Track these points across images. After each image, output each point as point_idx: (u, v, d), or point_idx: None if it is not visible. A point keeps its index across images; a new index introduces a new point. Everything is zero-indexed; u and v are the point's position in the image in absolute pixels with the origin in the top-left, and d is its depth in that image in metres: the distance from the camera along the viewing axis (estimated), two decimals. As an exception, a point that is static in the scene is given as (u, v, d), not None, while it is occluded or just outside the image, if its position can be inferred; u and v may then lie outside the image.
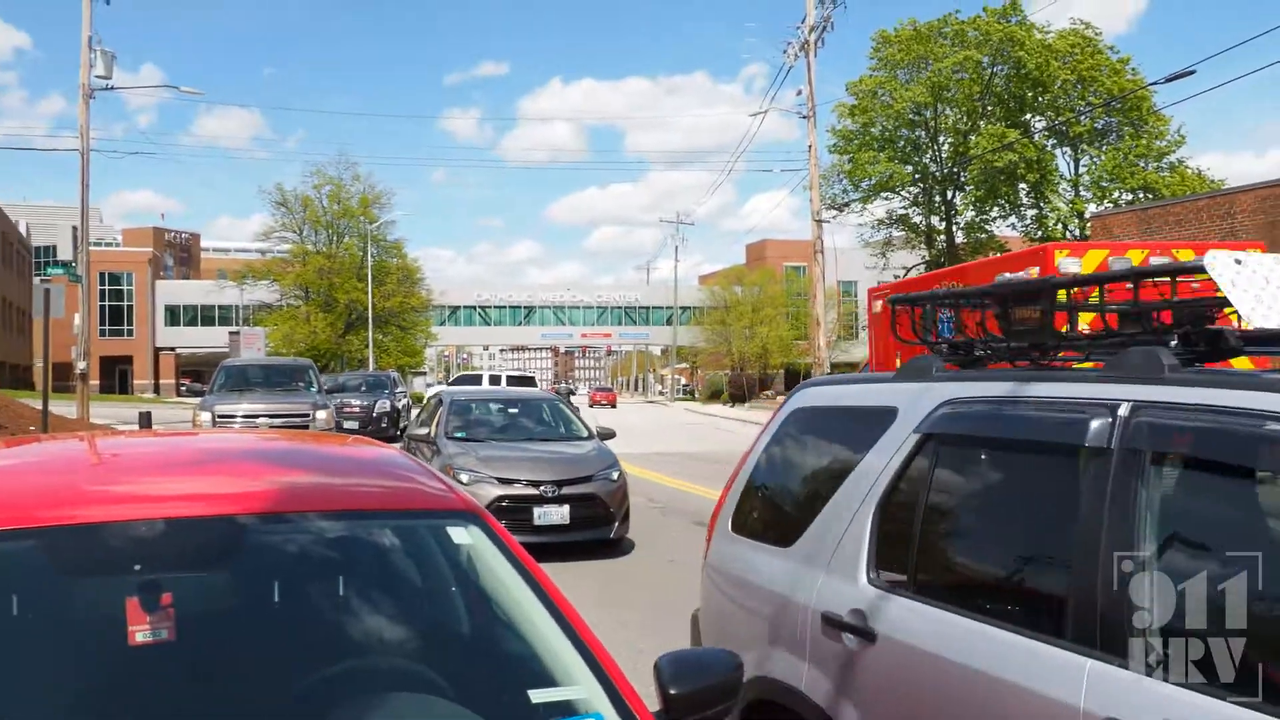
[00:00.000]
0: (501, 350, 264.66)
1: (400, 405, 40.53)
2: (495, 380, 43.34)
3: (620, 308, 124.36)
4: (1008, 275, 6.72)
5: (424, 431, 17.97)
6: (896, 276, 67.19)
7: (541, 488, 16.08)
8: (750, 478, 6.72)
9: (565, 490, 16.12)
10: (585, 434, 18.42)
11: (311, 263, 79.04)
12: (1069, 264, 7.50)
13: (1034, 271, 8.15)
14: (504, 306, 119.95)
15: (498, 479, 16.09)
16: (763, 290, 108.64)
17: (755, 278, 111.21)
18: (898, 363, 6.62)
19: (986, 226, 71.79)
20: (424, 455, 17.28)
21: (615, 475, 16.76)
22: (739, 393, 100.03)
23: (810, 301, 50.89)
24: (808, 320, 76.42)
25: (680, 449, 37.55)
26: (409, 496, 4.80)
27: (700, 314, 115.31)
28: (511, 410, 19.20)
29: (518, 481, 16.14)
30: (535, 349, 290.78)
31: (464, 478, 15.98)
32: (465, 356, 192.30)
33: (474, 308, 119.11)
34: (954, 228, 72.35)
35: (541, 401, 19.68)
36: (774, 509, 6.50)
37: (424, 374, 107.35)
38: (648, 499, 21.95)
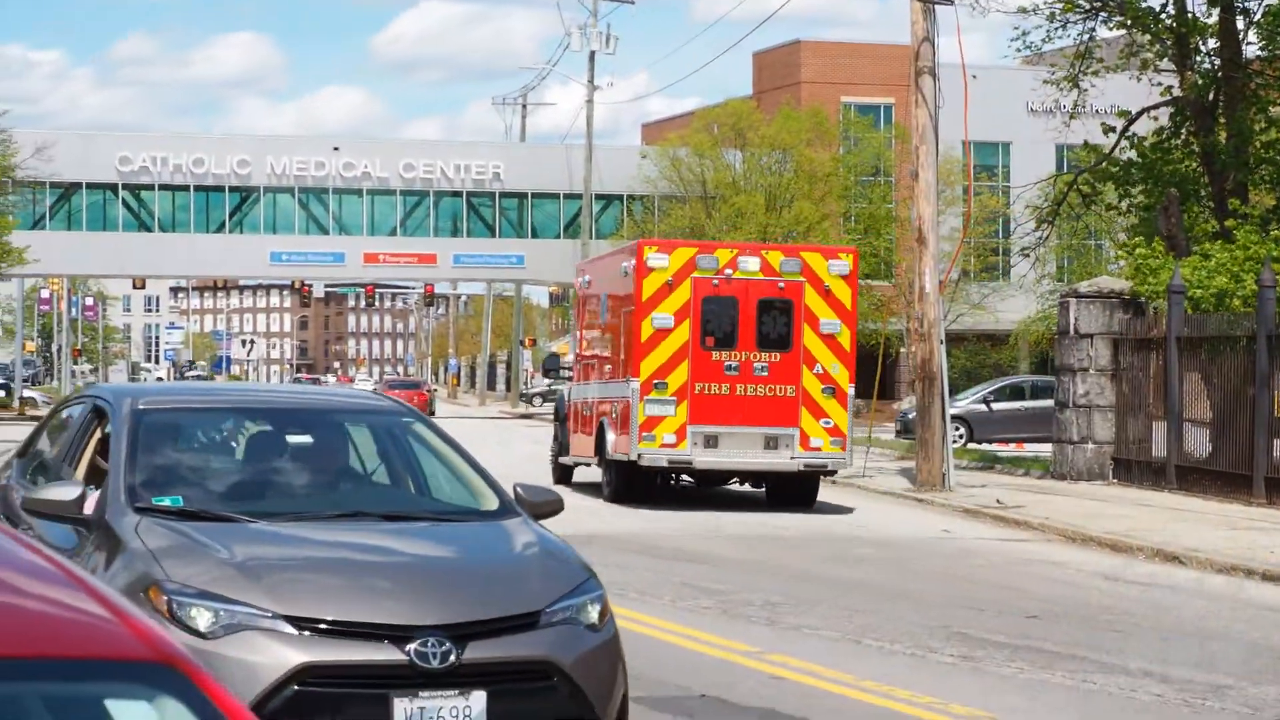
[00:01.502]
0: (178, 289, 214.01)
1: None
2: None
3: (457, 195, 78.20)
4: (585, 276, 27.75)
5: (57, 495, 8.96)
6: (1109, 132, 38.11)
7: (410, 645, 7.72)
8: None
9: (472, 653, 7.82)
10: (493, 504, 9.39)
11: None
12: (657, 259, 24.36)
13: (629, 266, 24.97)
14: (184, 188, 76.60)
15: (296, 619, 7.78)
16: (792, 159, 68.05)
17: (774, 128, 68.73)
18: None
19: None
20: (76, 550, 8.92)
21: (594, 615, 8.31)
22: None
23: (906, 189, 43.50)
24: (895, 231, 65.26)
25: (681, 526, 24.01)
26: (24, 630, 2.88)
27: (646, 211, 74.36)
28: (298, 439, 10.08)
29: (350, 630, 7.76)
30: (256, 287, 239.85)
31: (200, 616, 7.83)
32: (89, 303, 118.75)
33: (113, 189, 76.33)
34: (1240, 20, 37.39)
35: (371, 420, 10.25)
36: None
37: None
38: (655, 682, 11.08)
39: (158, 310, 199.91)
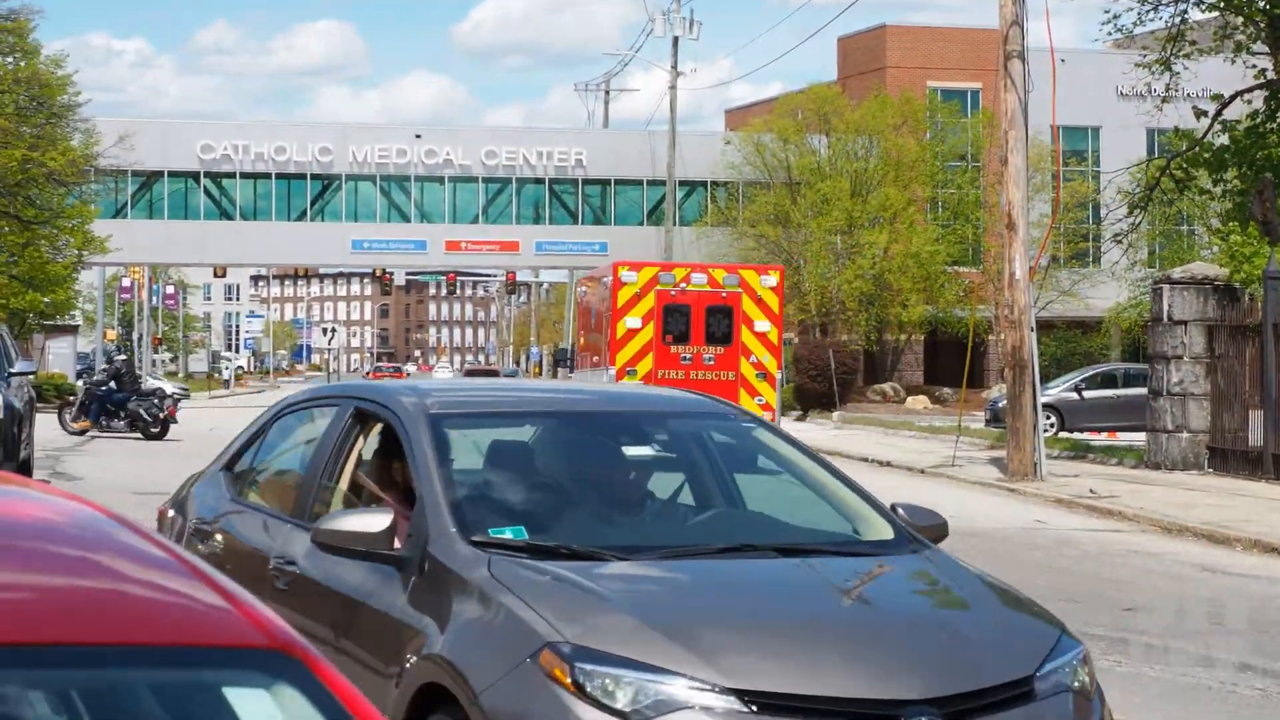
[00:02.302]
0: (258, 278, 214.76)
1: (19, 402, 22.76)
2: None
3: (539, 183, 78.32)
4: (583, 288, 38.35)
5: (361, 525, 7.31)
6: (1201, 116, 38.16)
7: None
8: None
9: None
10: (886, 531, 7.67)
11: None
12: (628, 276, 34.02)
13: (608, 281, 34.88)
14: (266, 176, 77.08)
15: (750, 695, 5.94)
16: (878, 145, 69.46)
17: (860, 114, 69.90)
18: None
19: None
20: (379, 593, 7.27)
21: (1084, 677, 6.64)
22: (817, 385, 62.14)
23: (994, 174, 47.24)
24: (984, 217, 67.71)
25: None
26: (137, 617, 2.90)
27: (730, 198, 75.08)
28: (638, 451, 8.50)
29: (823, 709, 5.97)
30: (337, 275, 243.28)
31: (620, 691, 5.96)
32: (169, 292, 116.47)
33: (194, 177, 76.69)
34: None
35: (706, 426, 8.71)
36: None
37: (75, 328, 74.83)
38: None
39: (238, 299, 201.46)
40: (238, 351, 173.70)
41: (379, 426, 8.32)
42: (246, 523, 8.71)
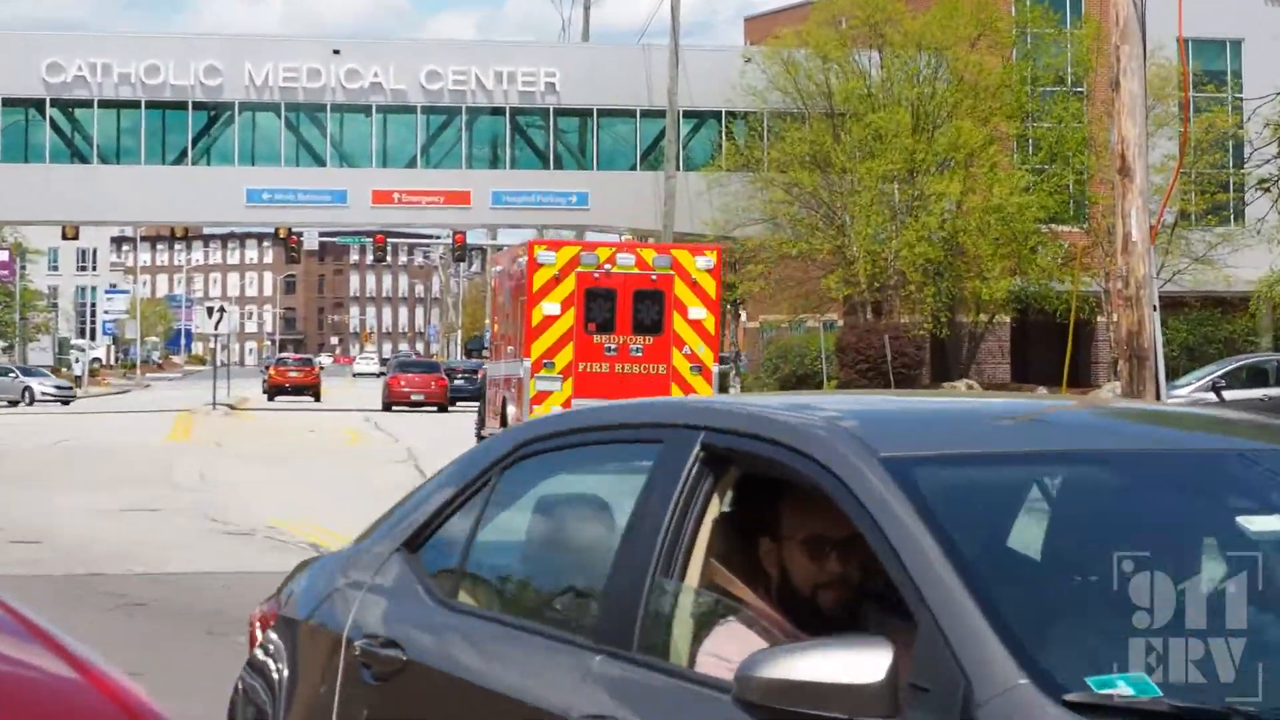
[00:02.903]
0: (122, 240, 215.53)
1: None
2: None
3: (497, 114, 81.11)
4: (499, 266, 47.04)
5: (844, 670, 5.33)
6: None
7: None
8: None
9: None
10: None
11: None
12: (545, 256, 40.53)
13: (523, 261, 41.74)
14: (133, 105, 79.51)
15: None
16: (949, 65, 72.10)
17: (924, 23, 71.76)
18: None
19: None
20: None
21: None
22: (867, 382, 65.99)
23: (1103, 104, 51.48)
24: (1090, 160, 71.33)
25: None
26: None
27: (751, 133, 78.71)
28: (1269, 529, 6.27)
29: None
30: (227, 236, 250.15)
31: None
32: (1, 259, 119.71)
33: (37, 107, 78.98)
34: None
35: None
36: None
37: None
38: None
39: (94, 268, 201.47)
40: (94, 339, 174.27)
41: (738, 477, 6.77)
42: (487, 650, 6.86)
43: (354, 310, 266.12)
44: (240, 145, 78.80)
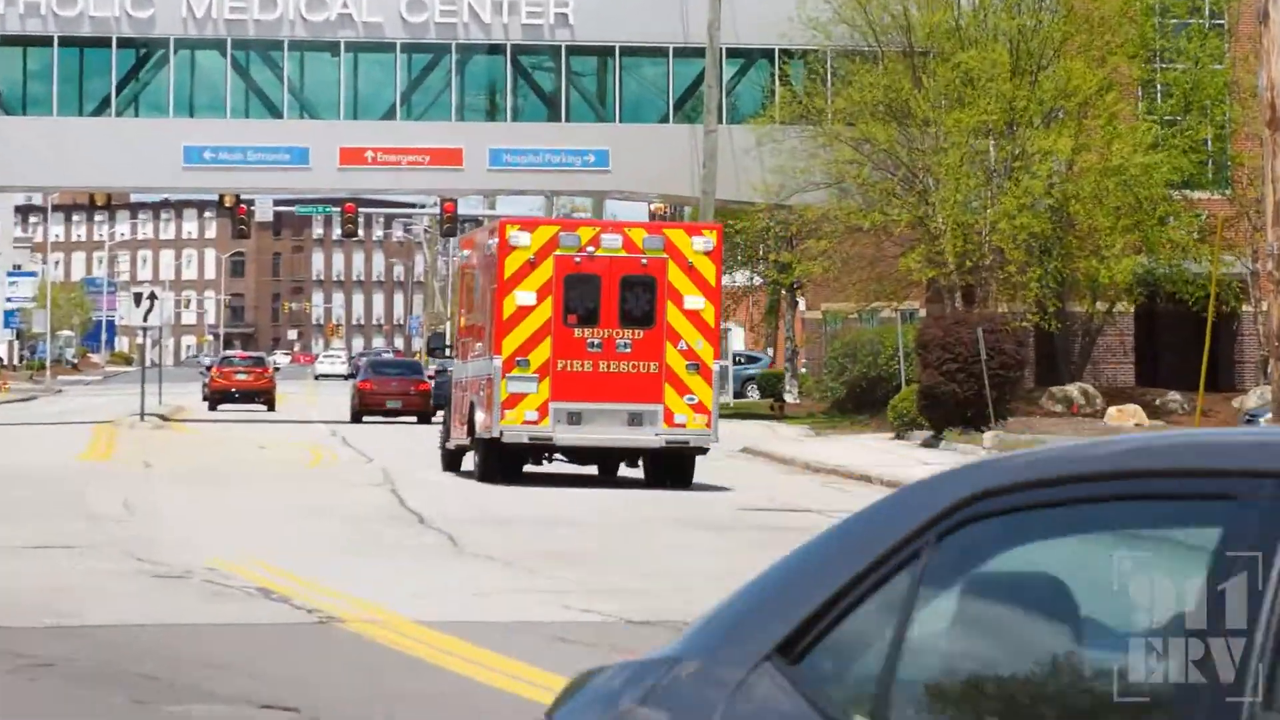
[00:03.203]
0: (28, 210, 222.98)
1: None
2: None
3: (496, 52, 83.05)
4: (466, 250, 51.87)
5: None
6: None
7: None
8: None
9: None
10: None
11: None
12: (519, 237, 43.36)
13: (493, 244, 44.91)
14: (42, 42, 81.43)
15: None
16: None
17: None
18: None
19: None
20: None
21: None
22: (957, 386, 62.75)
23: (1249, 40, 56.54)
24: (1234, 109, 73.88)
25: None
26: None
27: (812, 76, 79.86)
28: None
29: None
30: (160, 205, 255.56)
31: None
32: None
33: None
34: None
35: None
36: None
37: None
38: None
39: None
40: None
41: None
42: None
43: (317, 297, 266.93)
44: (176, 92, 79.56)
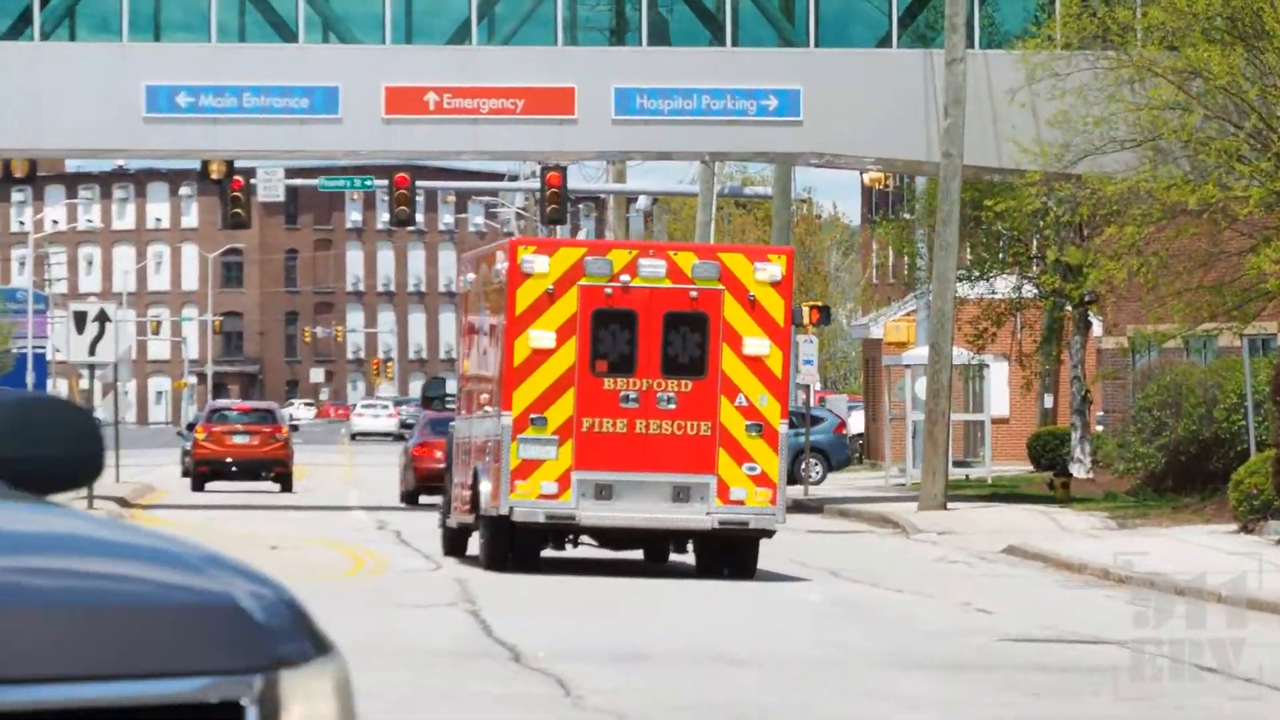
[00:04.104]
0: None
1: None
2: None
3: None
4: (469, 274, 54.51)
5: None
6: None
7: None
8: None
9: None
10: None
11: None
12: (533, 263, 46.07)
13: (501, 270, 48.16)
14: None
15: None
16: None
17: None
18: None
19: None
20: None
21: None
22: None
23: None
24: None
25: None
26: None
27: None
28: None
29: None
30: (112, 177, 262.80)
31: None
32: None
33: None
34: None
35: None
36: None
37: None
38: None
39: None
40: None
41: None
42: None
43: (354, 318, 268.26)
44: (133, 2, 79.24)
